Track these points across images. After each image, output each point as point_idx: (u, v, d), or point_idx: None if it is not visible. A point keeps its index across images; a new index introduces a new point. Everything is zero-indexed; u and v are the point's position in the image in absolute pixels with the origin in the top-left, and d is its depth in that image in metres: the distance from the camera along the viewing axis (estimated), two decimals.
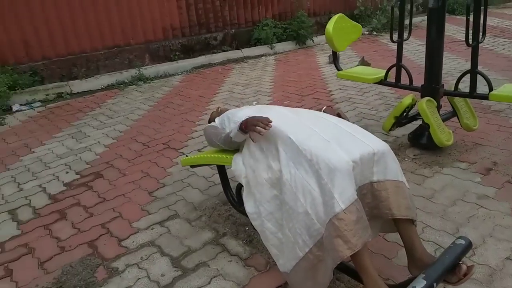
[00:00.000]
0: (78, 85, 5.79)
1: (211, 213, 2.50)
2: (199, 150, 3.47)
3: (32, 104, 5.25)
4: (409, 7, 3.19)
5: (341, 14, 3.28)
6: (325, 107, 2.25)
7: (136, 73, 6.21)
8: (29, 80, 5.53)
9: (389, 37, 3.21)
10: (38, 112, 5.00)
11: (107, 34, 6.28)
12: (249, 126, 1.80)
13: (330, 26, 3.15)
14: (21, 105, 5.19)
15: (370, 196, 1.63)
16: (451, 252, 1.52)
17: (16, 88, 5.25)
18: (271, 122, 1.74)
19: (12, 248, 2.30)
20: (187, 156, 3.36)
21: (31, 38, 5.64)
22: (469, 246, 1.56)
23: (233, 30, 7.73)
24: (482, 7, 2.60)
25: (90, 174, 3.17)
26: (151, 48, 6.77)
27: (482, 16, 2.58)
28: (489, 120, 3.58)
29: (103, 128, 4.20)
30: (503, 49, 6.49)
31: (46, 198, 2.84)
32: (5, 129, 4.44)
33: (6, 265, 2.16)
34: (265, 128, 1.73)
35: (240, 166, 1.89)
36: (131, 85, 5.99)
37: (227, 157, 2.07)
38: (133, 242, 2.27)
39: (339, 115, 2.09)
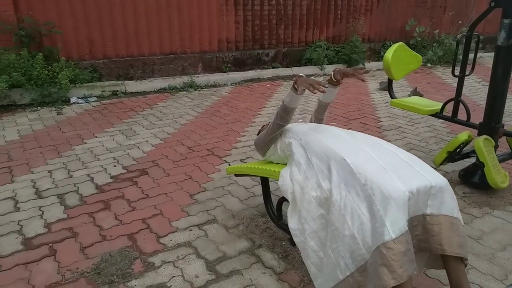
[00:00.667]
0: (133, 86, 6.06)
1: (249, 223, 2.50)
2: (241, 160, 3.50)
3: (88, 98, 5.54)
4: (473, 42, 3.09)
5: (401, 43, 3.24)
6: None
7: (188, 80, 6.42)
8: (89, 76, 5.86)
9: (444, 70, 3.14)
10: (93, 106, 5.26)
11: (166, 41, 6.57)
12: (302, 83, 1.90)
13: (389, 53, 3.12)
14: (78, 98, 5.49)
15: (420, 229, 1.57)
16: None
17: (76, 82, 5.58)
18: (325, 87, 1.88)
19: (57, 230, 2.41)
20: (229, 164, 3.41)
21: (96, 37, 6.00)
22: None
23: (286, 48, 7.83)
24: None
25: (136, 170, 3.28)
26: (205, 58, 6.98)
27: None
28: None
29: (152, 128, 4.35)
30: None
31: (93, 188, 2.97)
32: (62, 118, 4.70)
33: (51, 245, 2.27)
34: (317, 90, 1.86)
35: (287, 181, 1.89)
36: (182, 91, 6.19)
37: (275, 171, 2.07)
38: (171, 240, 2.31)
39: (345, 74, 2.09)
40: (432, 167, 3.22)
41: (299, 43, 7.99)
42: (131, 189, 2.96)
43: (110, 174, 3.20)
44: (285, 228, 2.23)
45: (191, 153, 3.67)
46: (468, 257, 1.59)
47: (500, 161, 2.89)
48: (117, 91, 5.87)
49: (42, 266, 2.09)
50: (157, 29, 6.42)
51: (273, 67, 7.58)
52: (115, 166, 3.36)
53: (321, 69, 7.64)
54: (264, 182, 2.47)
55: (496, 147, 2.91)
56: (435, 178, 1.58)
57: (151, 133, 4.19)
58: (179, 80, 6.42)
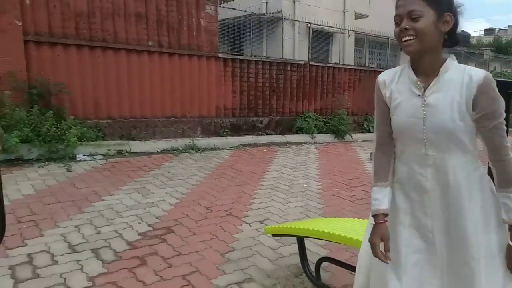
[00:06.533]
0: (137, 146, 6.24)
1: (285, 283, 2.62)
2: (261, 222, 3.66)
3: (94, 156, 5.64)
4: None
5: None
6: None
7: (189, 142, 6.68)
8: (94, 135, 6.01)
9: None
10: (100, 164, 5.35)
11: (167, 105, 6.93)
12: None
13: None
14: (84, 155, 5.58)
15: None
16: None
17: (83, 140, 5.70)
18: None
19: (102, 284, 2.45)
20: (250, 225, 3.56)
21: (101, 99, 6.28)
22: None
23: (278, 117, 8.35)
24: None
25: (162, 228, 3.37)
26: (203, 123, 7.33)
27: None
28: None
29: (165, 188, 4.48)
30: None
31: (124, 244, 3.02)
32: (73, 175, 4.75)
33: None
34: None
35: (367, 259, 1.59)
36: (184, 152, 6.40)
37: (328, 233, 2.19)
38: None
39: None
40: None
41: (290, 112, 8.55)
42: (162, 246, 3.04)
43: (137, 231, 3.27)
44: None
45: (210, 213, 3.80)
46: None
47: None
48: (122, 150, 6.02)
49: None
50: (160, 95, 6.85)
51: (267, 134, 8.01)
52: (139, 223, 3.44)
53: (312, 138, 8.13)
54: (300, 242, 2.64)
55: None
56: None
57: (166, 192, 4.32)
58: (180, 142, 6.67)
